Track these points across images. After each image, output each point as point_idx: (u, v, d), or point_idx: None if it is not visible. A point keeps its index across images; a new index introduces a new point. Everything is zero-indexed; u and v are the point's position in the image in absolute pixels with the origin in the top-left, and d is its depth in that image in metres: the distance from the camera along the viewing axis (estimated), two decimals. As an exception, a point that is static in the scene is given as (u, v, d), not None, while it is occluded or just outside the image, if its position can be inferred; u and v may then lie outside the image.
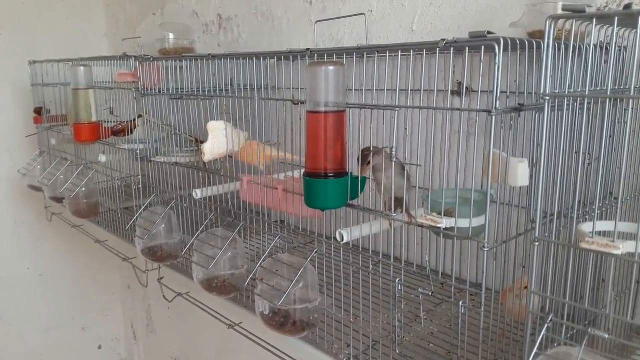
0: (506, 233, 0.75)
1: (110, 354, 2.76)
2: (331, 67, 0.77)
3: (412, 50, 0.73)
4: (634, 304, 0.86)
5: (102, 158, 1.56)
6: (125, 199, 1.56)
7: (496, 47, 0.63)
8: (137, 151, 1.41)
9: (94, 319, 2.66)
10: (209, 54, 1.10)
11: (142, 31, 2.17)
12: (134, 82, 1.36)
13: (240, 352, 2.02)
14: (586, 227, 0.61)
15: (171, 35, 1.81)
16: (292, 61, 1.34)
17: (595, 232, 0.59)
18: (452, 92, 1.11)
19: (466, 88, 1.08)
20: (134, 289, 2.66)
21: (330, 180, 0.80)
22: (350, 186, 0.83)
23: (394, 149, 0.76)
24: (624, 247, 0.55)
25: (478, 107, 0.66)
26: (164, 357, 2.54)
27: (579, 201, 0.64)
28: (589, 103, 0.65)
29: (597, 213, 0.73)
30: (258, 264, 0.97)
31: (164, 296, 1.46)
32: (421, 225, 0.75)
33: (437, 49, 0.69)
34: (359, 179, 0.83)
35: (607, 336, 0.57)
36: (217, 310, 1.27)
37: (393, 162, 0.78)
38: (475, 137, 0.68)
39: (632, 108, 0.68)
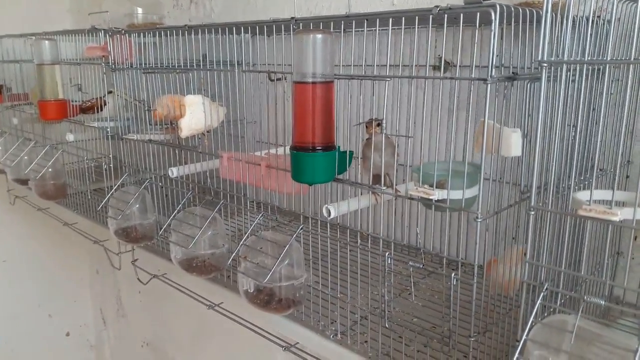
0: (496, 205, 0.74)
1: (79, 341, 2.70)
2: (320, 36, 0.74)
3: (403, 18, 0.71)
4: (614, 272, 0.88)
5: (70, 137, 1.50)
6: (96, 180, 1.51)
7: (492, 14, 0.62)
8: (108, 129, 1.36)
9: (61, 305, 2.58)
10: (185, 25, 1.06)
11: (108, 6, 2.08)
12: (104, 56, 1.30)
13: (217, 334, 2.00)
14: (582, 195, 0.61)
15: (140, 10, 1.74)
16: (268, 36, 1.30)
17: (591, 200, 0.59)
18: (435, 67, 1.10)
19: (447, 63, 1.07)
20: (103, 273, 2.59)
21: (318, 154, 0.78)
22: (338, 160, 0.81)
23: (384, 122, 0.75)
24: (621, 214, 0.55)
25: (472, 76, 0.65)
26: (136, 342, 2.50)
27: (575, 170, 0.64)
28: (587, 71, 0.64)
29: (585, 184, 0.73)
30: (242, 242, 0.95)
31: (138, 279, 1.42)
32: (411, 198, 0.74)
33: (431, 16, 0.67)
34: (348, 153, 0.81)
35: (603, 303, 0.57)
36: (196, 291, 1.24)
37: (384, 137, 0.77)
38: (469, 108, 0.67)
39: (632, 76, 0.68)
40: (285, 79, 1.25)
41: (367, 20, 0.75)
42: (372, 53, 0.76)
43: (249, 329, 1.09)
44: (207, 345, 2.06)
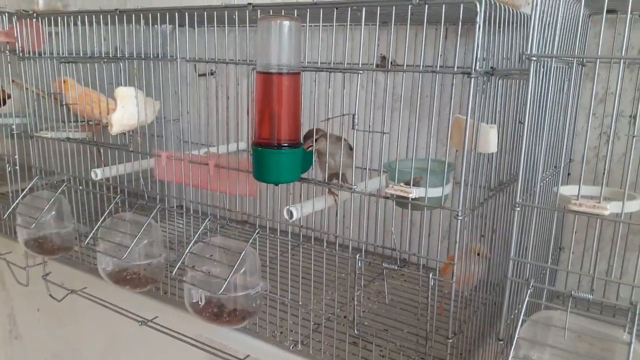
0: (471, 201, 0.73)
1: (-38, 369, 2.37)
2: (287, 23, 0.69)
3: (379, 9, 0.67)
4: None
5: (-39, 136, 1.30)
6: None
7: (477, 6, 0.60)
8: (14, 126, 1.19)
9: (-61, 330, 2.26)
10: (117, 10, 0.95)
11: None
12: (8, 43, 1.14)
13: (134, 351, 1.84)
14: (566, 190, 0.61)
15: (42, -5, 1.57)
16: (198, 27, 1.22)
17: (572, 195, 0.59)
18: (377, 66, 1.08)
19: (391, 63, 1.06)
20: (-9, 291, 2.30)
21: (284, 152, 0.72)
22: (302, 159, 0.76)
23: (356, 117, 0.71)
24: (610, 208, 0.56)
25: (455, 70, 0.63)
26: (34, 365, 2.24)
27: (562, 165, 0.64)
28: (563, 67, 0.65)
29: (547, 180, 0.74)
30: (187, 250, 0.86)
31: (51, 295, 1.26)
32: (386, 197, 0.70)
33: (410, 6, 0.64)
34: (314, 150, 0.76)
35: (590, 297, 0.58)
36: (123, 306, 1.11)
37: (342, 143, 0.73)
38: (451, 104, 0.65)
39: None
40: (215, 74, 1.18)
41: (336, 9, 0.70)
42: (343, 45, 0.72)
43: (190, 345, 0.99)
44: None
